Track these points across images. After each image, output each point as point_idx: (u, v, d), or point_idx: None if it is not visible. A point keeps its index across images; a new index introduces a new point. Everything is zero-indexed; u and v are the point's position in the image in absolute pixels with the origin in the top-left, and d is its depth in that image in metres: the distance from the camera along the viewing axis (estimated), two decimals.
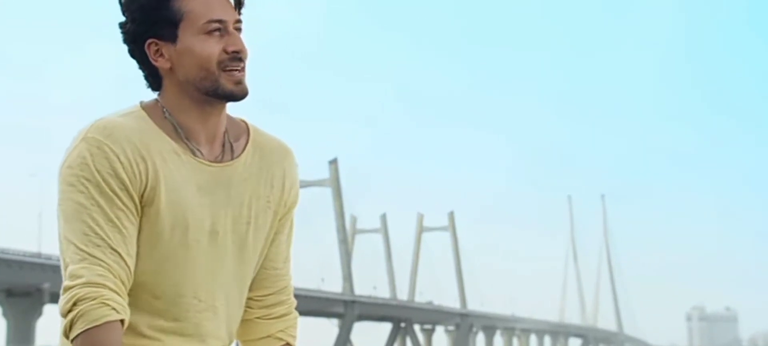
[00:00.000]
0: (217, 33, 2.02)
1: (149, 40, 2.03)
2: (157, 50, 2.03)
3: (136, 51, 2.05)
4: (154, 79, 2.07)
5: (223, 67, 2.01)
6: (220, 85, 2.01)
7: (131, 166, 1.98)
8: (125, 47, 2.07)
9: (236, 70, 2.02)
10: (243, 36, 2.07)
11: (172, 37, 2.02)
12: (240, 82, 2.03)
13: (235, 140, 2.10)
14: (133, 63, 2.10)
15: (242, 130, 2.13)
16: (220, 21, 2.02)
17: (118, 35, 2.08)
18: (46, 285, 49.88)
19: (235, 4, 2.06)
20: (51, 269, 49.11)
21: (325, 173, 76.11)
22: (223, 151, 2.08)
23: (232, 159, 2.09)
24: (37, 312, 51.27)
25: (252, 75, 2.09)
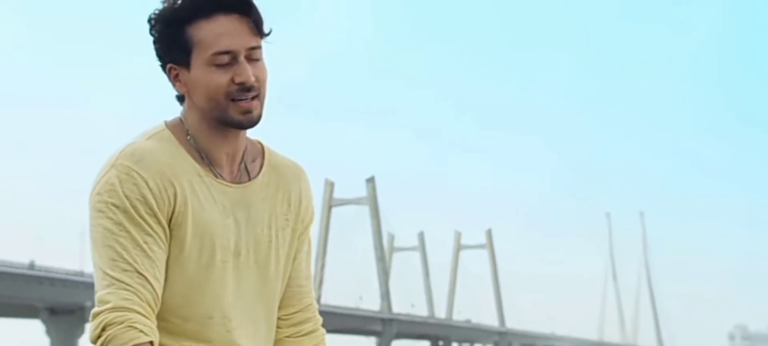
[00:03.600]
0: (225, 64, 2.02)
1: (170, 65, 2.07)
2: (176, 75, 2.06)
3: (163, 70, 2.10)
4: (179, 99, 2.12)
5: (231, 97, 2.02)
6: (228, 115, 2.03)
7: (160, 192, 2.01)
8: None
9: (244, 100, 2.03)
10: (265, 57, 2.06)
11: (186, 64, 2.04)
12: (248, 112, 2.03)
13: (251, 162, 2.14)
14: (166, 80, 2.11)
15: (258, 151, 2.17)
16: (228, 52, 2.01)
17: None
18: (89, 303, 50.05)
19: (257, 31, 2.05)
20: (93, 288, 49.35)
21: (362, 191, 76.22)
22: (240, 172, 2.12)
23: (250, 180, 2.13)
24: (80, 330, 51.47)
25: (296, 85, 2.16)
